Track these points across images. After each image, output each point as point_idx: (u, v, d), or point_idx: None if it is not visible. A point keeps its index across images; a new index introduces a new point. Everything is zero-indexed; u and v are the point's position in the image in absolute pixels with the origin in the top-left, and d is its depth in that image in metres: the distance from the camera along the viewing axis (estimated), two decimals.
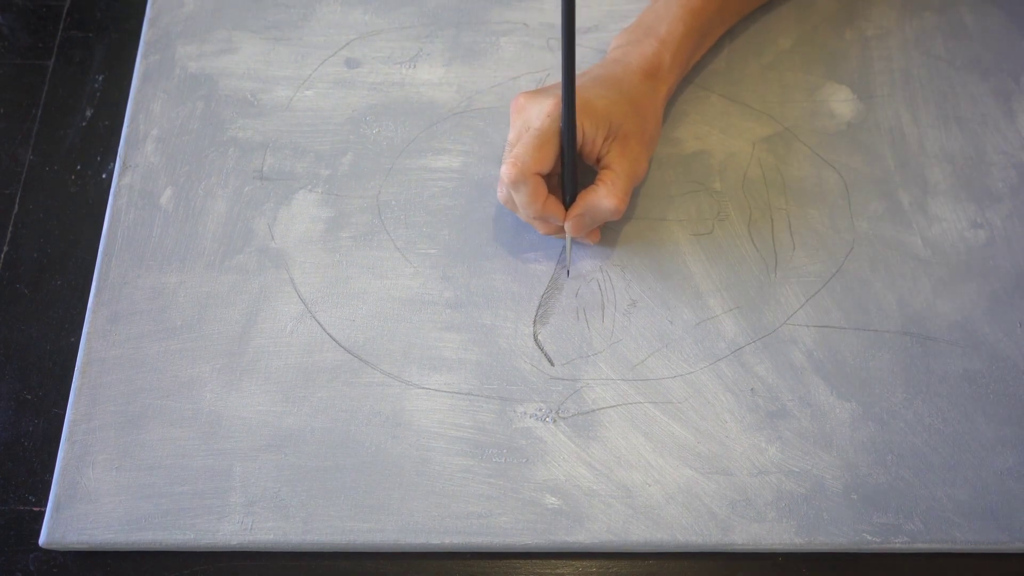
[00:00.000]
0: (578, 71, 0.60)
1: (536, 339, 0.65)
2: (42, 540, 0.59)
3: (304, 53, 0.75)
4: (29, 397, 0.64)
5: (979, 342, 0.65)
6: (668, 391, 0.63)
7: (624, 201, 0.63)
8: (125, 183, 0.70)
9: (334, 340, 0.65)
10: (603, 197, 0.62)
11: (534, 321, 0.65)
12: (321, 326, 0.65)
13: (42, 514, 0.60)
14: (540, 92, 0.64)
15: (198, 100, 0.73)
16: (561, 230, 0.65)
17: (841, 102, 0.73)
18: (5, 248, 0.70)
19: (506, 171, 0.61)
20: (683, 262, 0.67)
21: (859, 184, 0.70)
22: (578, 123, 0.61)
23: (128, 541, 0.59)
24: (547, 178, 0.63)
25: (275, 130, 0.72)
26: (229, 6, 0.77)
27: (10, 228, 0.70)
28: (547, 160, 0.61)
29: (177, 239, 0.68)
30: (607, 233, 0.68)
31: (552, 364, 0.64)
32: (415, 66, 0.75)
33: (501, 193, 0.64)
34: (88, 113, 0.75)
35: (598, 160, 0.64)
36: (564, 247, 0.67)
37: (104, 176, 0.72)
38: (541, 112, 0.62)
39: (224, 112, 0.73)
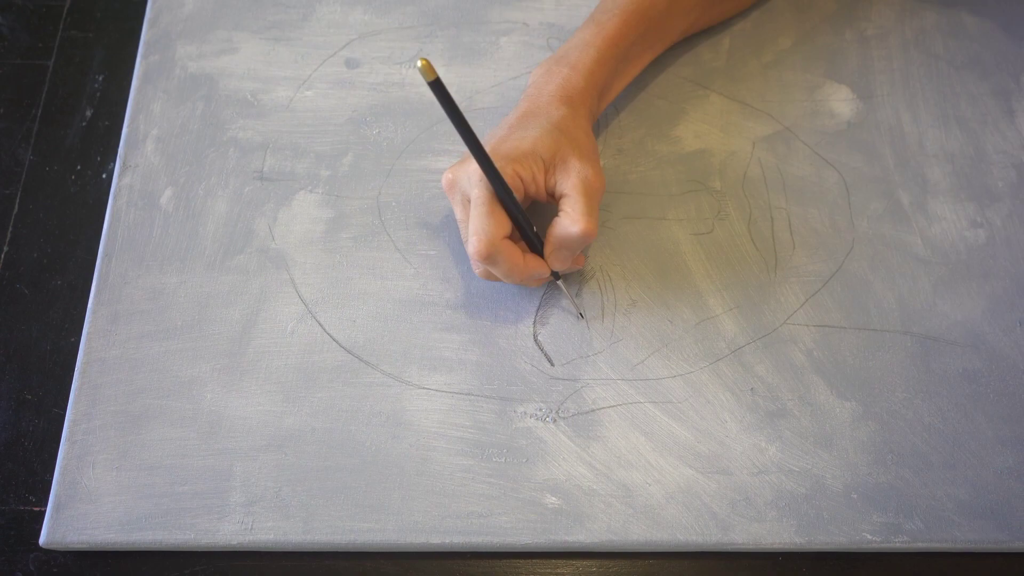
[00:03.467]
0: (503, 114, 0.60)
1: (536, 339, 0.65)
2: (42, 540, 0.59)
3: (304, 53, 0.76)
4: (29, 397, 0.65)
5: (979, 341, 0.65)
6: (668, 391, 0.63)
7: (589, 220, 0.60)
8: (125, 183, 0.70)
9: (334, 340, 0.65)
10: (568, 225, 0.60)
11: (534, 321, 0.65)
12: (321, 326, 0.65)
13: (42, 514, 0.60)
14: (462, 162, 0.62)
15: (198, 100, 0.73)
16: (548, 273, 0.64)
17: (841, 101, 0.73)
18: (5, 248, 0.70)
19: (475, 249, 0.59)
20: (683, 261, 0.67)
21: (859, 183, 0.70)
22: (512, 172, 0.60)
23: (128, 541, 0.59)
24: (514, 240, 0.62)
25: (275, 130, 0.72)
26: (229, 6, 0.77)
27: (10, 228, 0.70)
28: (504, 222, 0.60)
29: (177, 239, 0.68)
30: (607, 233, 0.68)
31: (552, 364, 0.64)
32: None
33: (478, 270, 0.63)
34: (88, 113, 0.75)
35: (551, 195, 0.63)
36: (563, 294, 0.66)
37: (104, 176, 0.72)
38: (471, 180, 0.60)
39: (224, 112, 0.73)
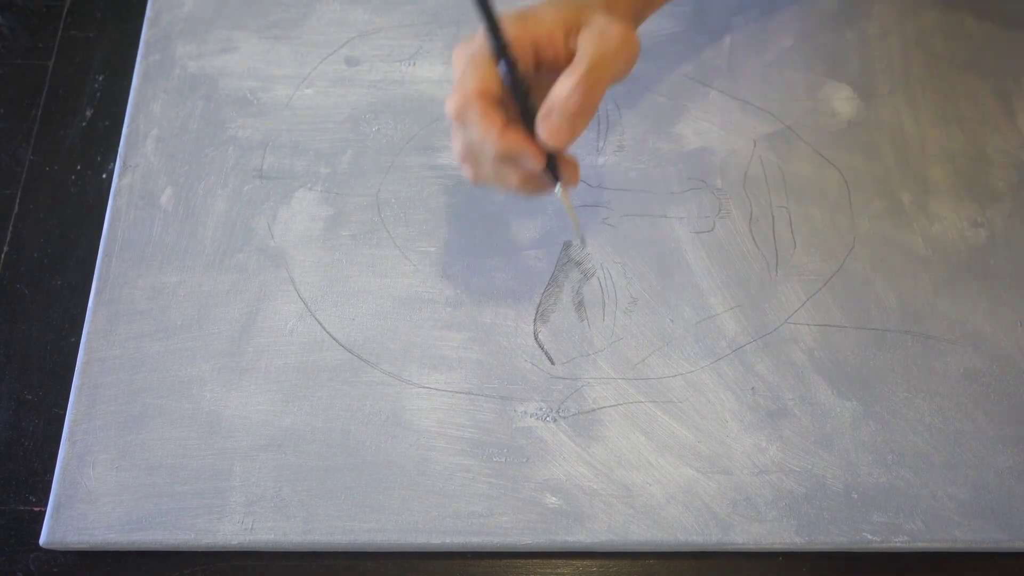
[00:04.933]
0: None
1: (536, 338, 0.65)
2: (42, 540, 0.59)
3: (304, 52, 0.75)
4: (29, 397, 0.65)
5: (979, 341, 0.65)
6: (669, 390, 0.63)
7: (590, 75, 0.51)
8: (125, 183, 0.70)
9: (334, 339, 0.65)
10: (562, 79, 0.52)
11: (534, 319, 0.65)
12: (321, 325, 0.65)
13: (42, 514, 0.60)
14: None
15: (198, 100, 0.73)
16: (541, 178, 0.57)
17: (842, 100, 0.73)
18: (5, 248, 0.70)
19: (448, 105, 0.52)
20: (684, 260, 0.67)
21: (860, 183, 0.70)
22: (520, 31, 0.53)
23: (128, 541, 0.59)
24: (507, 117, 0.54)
25: (275, 129, 0.72)
26: (229, 6, 0.77)
27: (10, 228, 0.70)
28: (488, 76, 0.52)
29: (177, 239, 0.68)
30: (607, 230, 0.68)
31: (552, 363, 0.64)
32: (415, 64, 0.75)
33: (456, 147, 0.55)
34: (88, 113, 0.75)
35: (568, 62, 0.54)
36: (563, 206, 0.62)
37: (104, 176, 0.72)
38: (475, 41, 0.53)
39: (224, 111, 0.73)
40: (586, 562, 0.60)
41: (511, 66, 0.52)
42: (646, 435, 0.62)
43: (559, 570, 0.60)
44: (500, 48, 0.52)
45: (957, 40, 0.76)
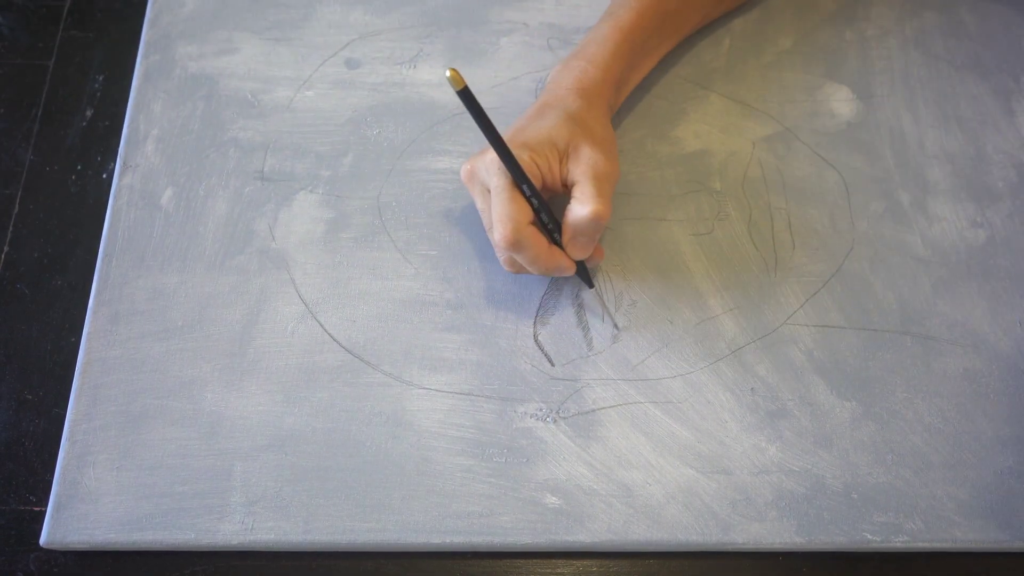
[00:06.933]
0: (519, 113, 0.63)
1: (536, 339, 0.65)
2: (43, 540, 0.59)
3: (304, 53, 0.76)
4: (29, 397, 0.64)
5: (979, 341, 0.65)
6: (668, 391, 0.63)
7: (599, 202, 0.60)
8: (125, 183, 0.70)
9: (335, 341, 0.65)
10: (578, 209, 0.61)
11: (534, 321, 0.65)
12: (322, 326, 0.65)
13: (43, 514, 0.60)
14: (480, 153, 0.63)
15: (198, 100, 0.73)
16: (574, 267, 0.64)
17: (841, 102, 0.73)
18: (5, 248, 0.70)
19: (501, 235, 0.60)
20: (683, 262, 0.67)
21: (859, 184, 0.70)
22: (529, 159, 0.61)
23: (128, 541, 0.59)
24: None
25: (276, 131, 0.72)
26: (229, 6, 0.77)
27: (10, 228, 0.70)
28: (526, 208, 0.61)
29: (177, 239, 0.68)
30: (607, 234, 0.68)
31: (552, 364, 0.64)
32: (415, 66, 0.75)
33: (503, 258, 0.64)
34: (88, 113, 0.75)
35: (566, 185, 0.63)
36: (596, 304, 0.66)
37: (104, 176, 0.72)
38: (490, 170, 0.61)
39: (224, 112, 0.73)
40: (586, 562, 0.60)
41: (536, 192, 0.61)
42: (646, 435, 0.62)
43: (559, 570, 0.60)
44: (524, 179, 0.60)
45: (957, 40, 0.76)
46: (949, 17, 0.77)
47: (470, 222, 0.69)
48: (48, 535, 0.59)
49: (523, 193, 0.61)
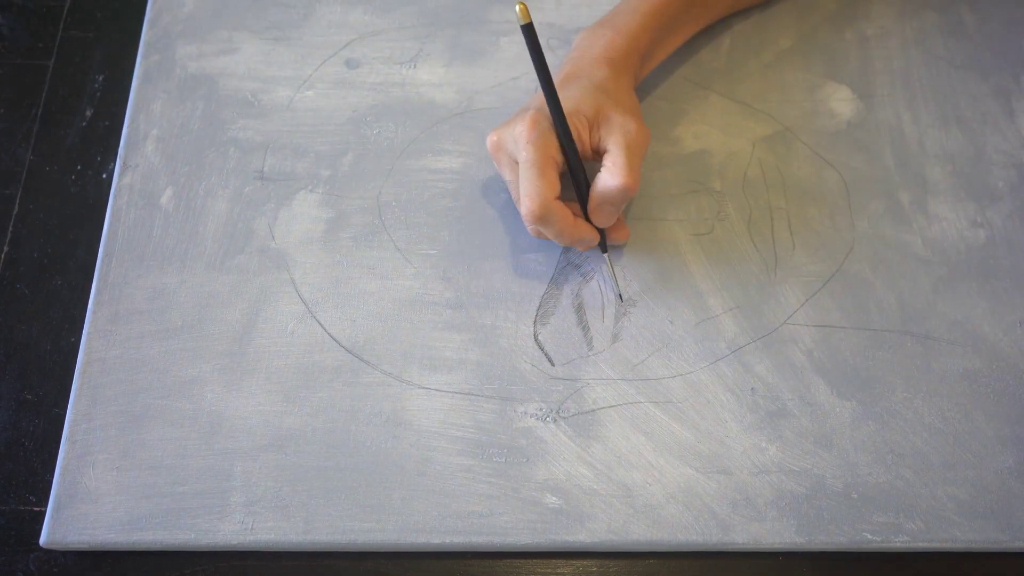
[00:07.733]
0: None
1: (536, 339, 0.65)
2: (43, 540, 0.59)
3: (304, 53, 0.76)
4: (29, 397, 0.64)
5: (979, 341, 0.65)
6: (668, 391, 0.63)
7: (629, 173, 0.61)
8: (125, 183, 0.70)
9: (335, 340, 0.65)
10: (608, 179, 0.62)
11: (534, 321, 0.65)
12: (322, 326, 0.65)
13: (42, 514, 0.60)
14: (507, 124, 0.64)
15: (198, 100, 0.73)
16: (597, 238, 0.65)
17: (841, 101, 0.73)
18: (5, 248, 0.70)
19: (528, 210, 0.61)
20: (683, 262, 0.67)
21: (859, 183, 0.70)
22: (569, 113, 0.62)
23: (128, 541, 0.59)
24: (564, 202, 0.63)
25: (275, 130, 0.72)
26: (229, 6, 0.77)
27: (10, 228, 0.70)
28: (555, 182, 0.61)
29: (177, 239, 0.68)
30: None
31: (552, 364, 0.64)
32: (415, 66, 0.75)
33: (531, 229, 0.64)
34: (88, 113, 0.75)
35: (596, 152, 0.64)
36: (605, 269, 0.67)
37: (104, 176, 0.72)
38: (519, 143, 0.62)
39: (224, 112, 0.73)
40: (586, 562, 0.60)
41: (572, 146, 0.62)
42: (646, 435, 0.62)
43: (559, 570, 0.60)
44: (567, 132, 0.62)
45: (957, 40, 0.76)
46: (949, 17, 0.77)
47: (470, 222, 0.69)
48: (48, 535, 0.59)
49: (565, 155, 0.62)
